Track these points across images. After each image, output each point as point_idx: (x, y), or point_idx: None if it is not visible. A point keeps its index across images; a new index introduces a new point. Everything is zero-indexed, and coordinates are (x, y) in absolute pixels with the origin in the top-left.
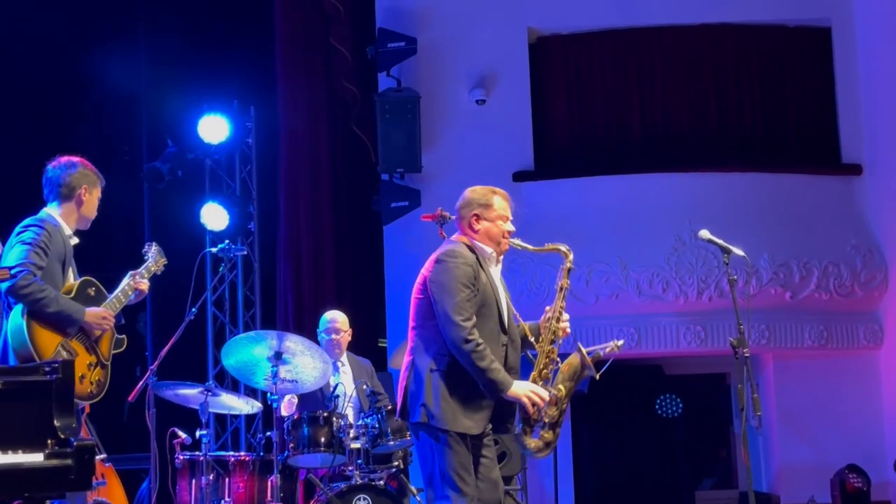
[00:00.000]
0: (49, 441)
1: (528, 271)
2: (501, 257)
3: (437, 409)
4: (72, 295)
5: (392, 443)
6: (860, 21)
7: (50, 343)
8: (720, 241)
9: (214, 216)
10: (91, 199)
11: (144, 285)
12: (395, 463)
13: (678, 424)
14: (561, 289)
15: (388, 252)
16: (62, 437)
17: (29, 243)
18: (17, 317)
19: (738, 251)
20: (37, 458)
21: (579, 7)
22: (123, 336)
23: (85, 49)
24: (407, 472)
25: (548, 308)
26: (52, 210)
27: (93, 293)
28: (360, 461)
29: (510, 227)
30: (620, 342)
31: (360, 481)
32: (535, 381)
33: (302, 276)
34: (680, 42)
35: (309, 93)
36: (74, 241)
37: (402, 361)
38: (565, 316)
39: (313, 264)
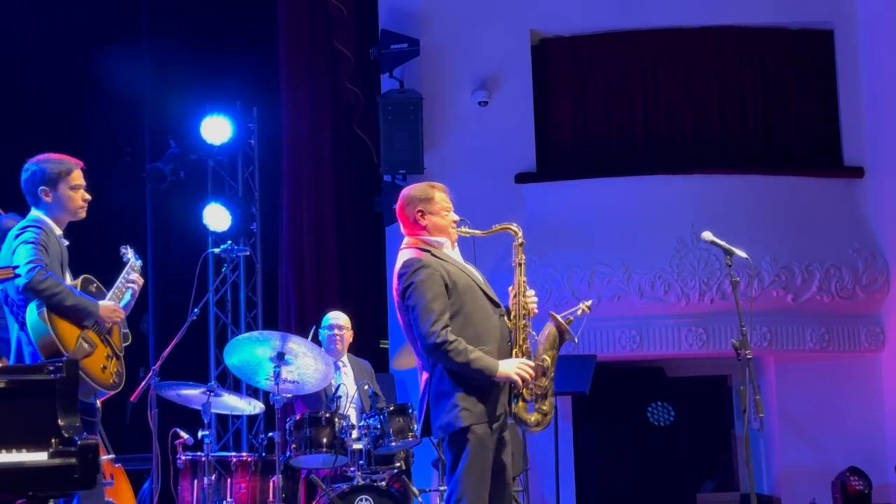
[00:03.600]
0: (53, 440)
1: (530, 273)
2: (456, 243)
3: (475, 407)
4: None
5: (394, 444)
6: (863, 24)
7: (71, 335)
8: (722, 243)
9: (217, 217)
10: (58, 195)
11: (138, 284)
12: (398, 464)
13: (679, 426)
14: (519, 265)
15: (391, 253)
16: (66, 436)
17: (32, 242)
18: (34, 314)
19: (741, 253)
20: (41, 456)
21: (582, 9)
22: (128, 331)
23: (89, 50)
24: (409, 473)
25: (510, 288)
26: (38, 213)
27: (94, 290)
28: (361, 462)
29: (455, 216)
30: (589, 302)
31: (362, 482)
32: (517, 357)
33: (304, 277)
34: (682, 45)
35: (311, 94)
36: (65, 243)
37: (404, 363)
38: (530, 291)
39: (315, 265)
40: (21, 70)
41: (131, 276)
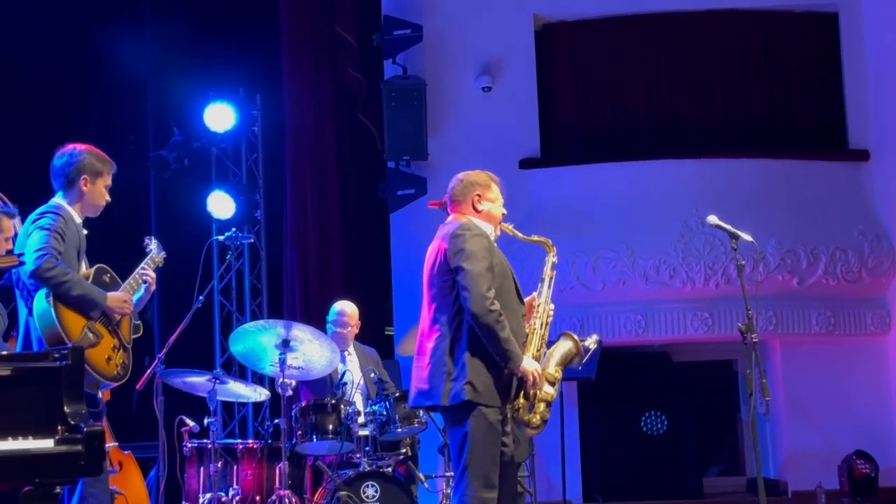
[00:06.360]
0: (59, 427)
1: (535, 258)
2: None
3: (482, 386)
4: (89, 281)
5: (400, 430)
6: (867, 6)
7: (76, 325)
8: (728, 227)
9: (221, 204)
10: (94, 188)
11: (151, 277)
12: (403, 450)
13: (685, 411)
14: (550, 279)
15: (395, 240)
16: (72, 423)
17: (47, 228)
18: (42, 301)
19: (746, 237)
20: (47, 444)
21: None
22: (140, 322)
23: (91, 36)
24: (415, 459)
25: (534, 294)
26: (60, 199)
27: (108, 280)
28: (367, 448)
29: (504, 210)
30: (597, 338)
31: (368, 468)
32: None
33: (308, 264)
34: (686, 28)
35: (315, 81)
36: (85, 232)
37: (409, 348)
38: (551, 305)
39: (320, 252)
40: (23, 56)
41: (146, 270)
